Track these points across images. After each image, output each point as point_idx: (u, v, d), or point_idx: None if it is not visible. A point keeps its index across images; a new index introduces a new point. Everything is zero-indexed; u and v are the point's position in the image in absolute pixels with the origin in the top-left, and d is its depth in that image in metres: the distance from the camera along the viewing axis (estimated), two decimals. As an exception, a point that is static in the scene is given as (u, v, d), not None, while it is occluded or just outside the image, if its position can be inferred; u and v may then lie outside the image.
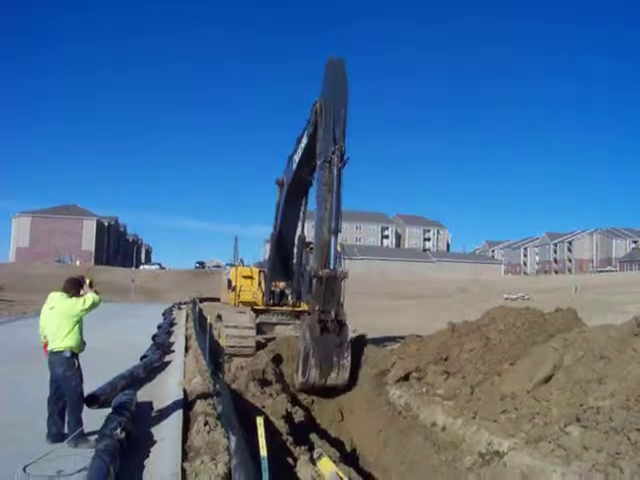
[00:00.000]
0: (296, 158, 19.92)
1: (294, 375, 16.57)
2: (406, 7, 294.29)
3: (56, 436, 8.90)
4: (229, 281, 25.51)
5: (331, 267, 15.90)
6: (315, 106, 17.27)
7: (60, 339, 9.12)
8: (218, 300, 35.52)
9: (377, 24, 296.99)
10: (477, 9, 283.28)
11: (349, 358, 15.74)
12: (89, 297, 9.32)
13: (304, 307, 23.80)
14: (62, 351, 9.10)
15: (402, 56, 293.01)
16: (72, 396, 9.12)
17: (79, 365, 9.21)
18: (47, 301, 9.45)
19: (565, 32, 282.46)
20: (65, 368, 9.07)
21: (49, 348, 9.14)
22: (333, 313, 15.65)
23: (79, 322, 9.27)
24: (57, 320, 9.18)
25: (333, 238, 15.87)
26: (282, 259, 23.54)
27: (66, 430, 9.02)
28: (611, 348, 10.71)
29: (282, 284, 24.51)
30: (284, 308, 24.02)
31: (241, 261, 28.27)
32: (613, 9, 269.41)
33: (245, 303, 24.53)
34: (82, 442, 8.76)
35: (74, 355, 9.15)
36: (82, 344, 9.35)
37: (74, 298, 9.32)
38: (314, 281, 16.12)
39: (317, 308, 15.69)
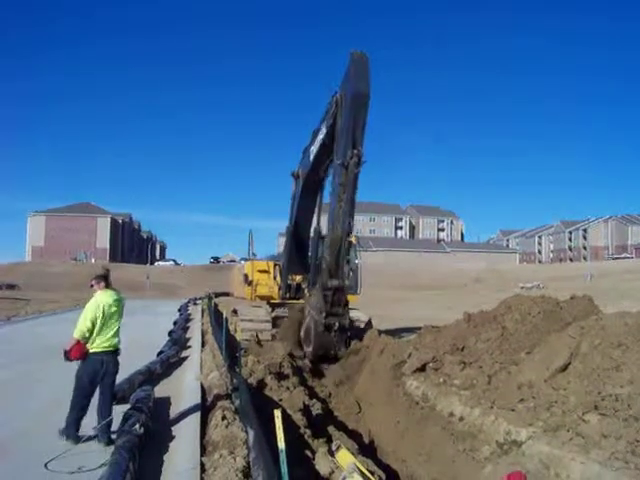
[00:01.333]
0: (313, 149, 19.95)
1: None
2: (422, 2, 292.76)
3: (78, 436, 8.91)
4: (245, 275, 25.38)
5: (340, 275, 17.39)
6: (335, 98, 17.19)
7: (118, 337, 9.23)
8: (227, 294, 35.70)
9: (390, 19, 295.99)
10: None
11: (343, 349, 18.04)
12: None
13: None
14: (118, 350, 9.21)
15: (415, 48, 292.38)
16: (112, 392, 9.29)
17: None
18: (105, 299, 9.15)
19: (583, 24, 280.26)
20: (117, 365, 9.21)
21: (108, 346, 9.05)
22: (337, 324, 17.54)
23: None
24: (120, 317, 9.30)
25: (345, 238, 16.68)
26: (298, 252, 23.48)
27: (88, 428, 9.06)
28: (628, 335, 10.67)
29: (299, 277, 24.41)
30: (301, 301, 23.96)
31: (253, 255, 28.31)
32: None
33: (262, 297, 24.50)
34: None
35: None
36: None
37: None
38: (324, 273, 17.52)
39: (323, 312, 17.30)
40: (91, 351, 8.93)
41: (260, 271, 25.14)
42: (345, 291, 17.77)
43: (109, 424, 8.94)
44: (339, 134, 16.54)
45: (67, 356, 8.88)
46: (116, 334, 9.17)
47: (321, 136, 18.83)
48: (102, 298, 9.13)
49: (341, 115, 16.59)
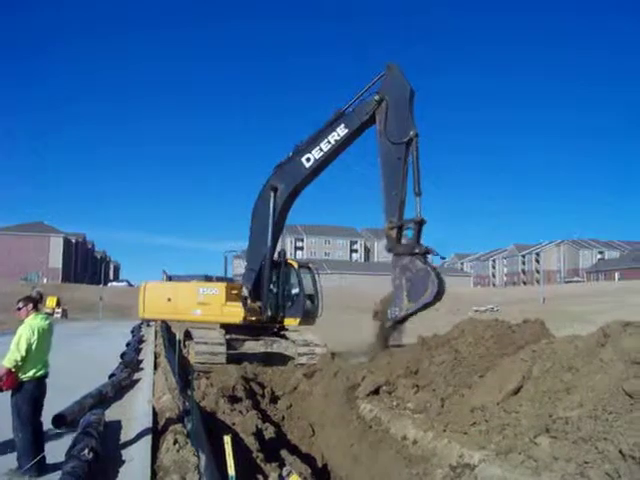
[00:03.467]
0: (314, 155, 21.68)
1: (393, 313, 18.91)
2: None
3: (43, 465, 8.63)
4: (245, 298, 24.29)
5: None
6: (379, 96, 20.06)
7: (48, 361, 8.91)
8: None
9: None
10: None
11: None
12: None
13: (288, 322, 23.80)
14: (47, 374, 8.87)
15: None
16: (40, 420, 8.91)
17: None
18: (39, 323, 8.76)
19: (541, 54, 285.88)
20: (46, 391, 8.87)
21: (44, 372, 8.74)
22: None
23: None
24: (51, 341, 8.97)
25: (418, 198, 18.79)
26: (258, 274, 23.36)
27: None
28: (578, 359, 10.82)
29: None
30: (270, 324, 23.81)
31: (164, 272, 28.14)
32: None
33: (252, 321, 23.77)
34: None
35: None
36: None
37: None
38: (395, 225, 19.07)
39: (416, 249, 18.67)
40: (25, 379, 8.50)
41: (236, 294, 24.34)
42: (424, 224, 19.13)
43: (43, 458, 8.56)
44: (392, 120, 19.77)
45: None
46: (47, 360, 8.89)
47: (337, 137, 21.30)
48: (36, 322, 8.74)
49: (383, 112, 19.92)
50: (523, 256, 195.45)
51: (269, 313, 23.45)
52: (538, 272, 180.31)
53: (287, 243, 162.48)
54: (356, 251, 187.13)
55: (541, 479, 8.18)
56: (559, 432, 9.05)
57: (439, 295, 18.14)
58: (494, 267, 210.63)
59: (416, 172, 18.90)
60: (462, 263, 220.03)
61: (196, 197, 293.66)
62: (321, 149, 21.58)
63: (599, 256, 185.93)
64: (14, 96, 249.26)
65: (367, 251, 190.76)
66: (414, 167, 18.92)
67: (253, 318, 23.63)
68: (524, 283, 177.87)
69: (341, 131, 21.24)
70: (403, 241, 19.13)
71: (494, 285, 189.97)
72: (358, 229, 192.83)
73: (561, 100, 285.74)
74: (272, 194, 22.54)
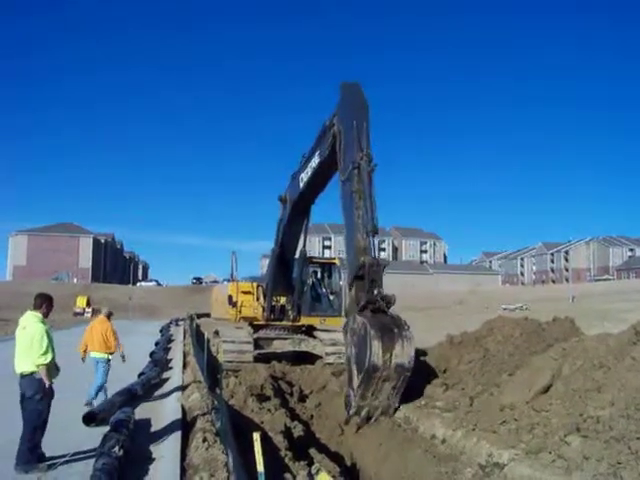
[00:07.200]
0: (304, 177, 19.64)
1: (348, 395, 14.26)
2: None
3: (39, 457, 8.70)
4: (230, 297, 25.11)
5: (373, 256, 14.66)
6: (332, 129, 16.78)
7: (29, 361, 8.83)
8: (209, 315, 35.56)
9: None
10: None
11: (410, 330, 13.83)
12: (48, 355, 8.89)
13: (304, 322, 23.84)
14: (31, 373, 8.80)
15: (395, 60, 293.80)
16: (33, 421, 8.77)
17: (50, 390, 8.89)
18: (20, 321, 9.19)
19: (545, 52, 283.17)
20: (35, 391, 8.77)
21: (18, 371, 8.87)
22: (380, 298, 14.36)
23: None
24: (27, 341, 8.90)
25: (371, 239, 14.73)
26: (283, 274, 23.44)
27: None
28: (610, 357, 10.70)
29: (283, 299, 24.25)
30: (284, 323, 23.85)
31: (232, 276, 28.27)
32: None
33: (246, 318, 24.32)
34: (32, 469, 8.47)
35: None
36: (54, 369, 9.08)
37: (41, 326, 9.03)
38: (350, 278, 14.90)
39: (362, 302, 14.13)
40: None
41: (244, 292, 24.91)
42: (381, 266, 14.72)
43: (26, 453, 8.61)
44: (342, 152, 15.88)
45: None
46: (20, 357, 8.93)
47: (314, 164, 18.51)
48: None
49: (341, 138, 16.01)
50: (552, 254, 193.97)
51: (270, 313, 23.68)
52: (567, 270, 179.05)
53: (315, 242, 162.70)
54: (384, 250, 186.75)
55: (572, 479, 8.10)
56: (590, 431, 8.96)
57: (378, 361, 13.01)
58: (522, 265, 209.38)
59: (369, 204, 14.61)
60: (490, 261, 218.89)
61: (225, 196, 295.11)
62: (307, 173, 19.23)
63: (629, 253, 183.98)
64: (43, 94, 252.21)
65: (395, 250, 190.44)
66: (366, 198, 14.66)
67: (241, 316, 24.14)
68: (553, 281, 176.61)
69: (316, 159, 18.27)
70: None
71: (523, 283, 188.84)
72: (386, 228, 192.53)
73: (591, 99, 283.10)
74: (281, 205, 22.46)
